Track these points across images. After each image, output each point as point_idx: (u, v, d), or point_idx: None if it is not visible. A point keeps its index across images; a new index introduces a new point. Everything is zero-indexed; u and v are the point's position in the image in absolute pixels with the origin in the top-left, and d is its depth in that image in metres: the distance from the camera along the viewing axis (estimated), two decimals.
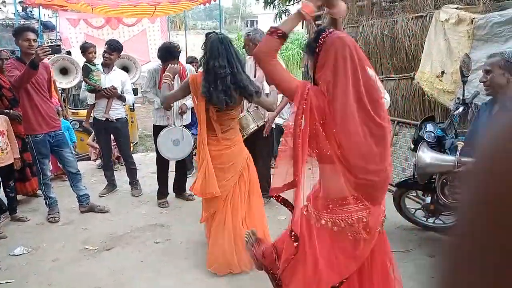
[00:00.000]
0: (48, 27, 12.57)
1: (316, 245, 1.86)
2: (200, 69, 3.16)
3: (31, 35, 3.66)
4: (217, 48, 2.89)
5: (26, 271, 3.15)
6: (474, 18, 3.63)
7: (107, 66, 4.44)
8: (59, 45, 3.87)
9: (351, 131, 1.74)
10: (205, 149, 2.96)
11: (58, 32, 12.05)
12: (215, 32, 3.14)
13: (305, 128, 1.77)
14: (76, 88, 7.19)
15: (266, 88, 3.98)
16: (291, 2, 9.76)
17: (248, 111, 3.90)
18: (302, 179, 1.88)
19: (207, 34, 3.13)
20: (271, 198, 4.31)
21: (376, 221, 1.89)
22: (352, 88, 1.73)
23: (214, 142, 3.00)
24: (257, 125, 3.92)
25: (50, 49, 3.52)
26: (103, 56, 4.40)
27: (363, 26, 5.05)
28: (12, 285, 2.98)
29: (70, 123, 5.85)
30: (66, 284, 2.96)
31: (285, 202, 2.08)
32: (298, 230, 1.90)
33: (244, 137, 3.71)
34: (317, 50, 1.79)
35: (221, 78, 2.83)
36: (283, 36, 1.81)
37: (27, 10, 12.89)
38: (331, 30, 1.83)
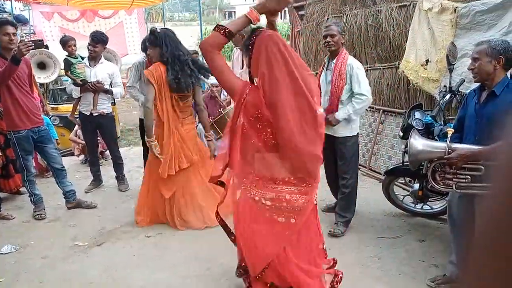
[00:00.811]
0: (20, 20, 12.19)
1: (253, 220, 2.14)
2: None
3: (11, 29, 3.53)
4: (174, 39, 3.38)
5: (16, 270, 3.08)
6: (457, 7, 3.70)
7: (94, 59, 4.34)
8: (42, 40, 3.75)
9: (289, 118, 1.93)
10: (171, 136, 3.45)
11: (31, 25, 11.72)
12: (155, 27, 3.55)
13: (242, 124, 2.03)
14: (54, 83, 7.02)
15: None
16: None
17: None
18: (235, 167, 2.14)
19: (152, 31, 3.48)
20: None
21: (308, 201, 2.11)
22: (287, 78, 1.92)
23: (176, 129, 3.48)
24: None
25: (33, 44, 3.42)
26: (88, 49, 4.29)
27: (347, 16, 5.08)
28: (3, 284, 2.91)
29: (50, 118, 5.71)
30: (58, 281, 2.91)
31: (222, 184, 2.33)
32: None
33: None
34: (250, 48, 2.00)
35: (187, 63, 3.32)
36: (230, 35, 1.98)
37: None
38: (263, 29, 2.06)
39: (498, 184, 0.28)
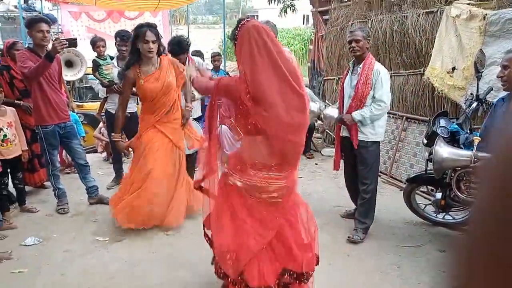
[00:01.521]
0: (49, 19, 12.52)
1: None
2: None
3: (45, 26, 3.64)
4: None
5: (38, 262, 3.15)
6: (486, 14, 3.64)
7: (123, 58, 4.41)
8: (76, 39, 3.84)
9: (273, 104, 1.97)
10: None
11: (59, 25, 12.00)
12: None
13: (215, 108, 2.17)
14: (79, 81, 7.17)
15: None
16: None
17: None
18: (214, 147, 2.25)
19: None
20: None
21: (287, 187, 2.14)
22: (269, 64, 1.98)
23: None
24: None
25: (67, 42, 3.51)
26: (119, 50, 4.34)
27: (372, 21, 5.05)
28: (25, 275, 2.98)
29: (76, 114, 5.83)
30: (79, 274, 2.97)
31: (206, 192, 2.38)
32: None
33: None
34: (236, 36, 2.08)
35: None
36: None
37: (29, 2, 12.80)
38: (249, 19, 2.12)
39: (484, 194, 0.29)
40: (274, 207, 2.15)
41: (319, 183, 4.86)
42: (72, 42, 3.70)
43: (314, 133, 6.54)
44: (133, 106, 4.52)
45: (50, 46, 3.65)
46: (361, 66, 3.27)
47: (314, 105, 3.50)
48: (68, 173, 5.09)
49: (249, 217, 2.14)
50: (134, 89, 4.31)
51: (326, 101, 5.94)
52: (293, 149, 2.10)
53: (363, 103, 3.25)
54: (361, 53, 3.27)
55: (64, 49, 3.55)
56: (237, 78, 2.09)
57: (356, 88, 3.26)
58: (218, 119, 2.25)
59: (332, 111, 3.51)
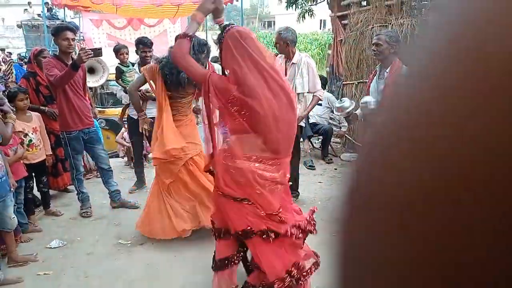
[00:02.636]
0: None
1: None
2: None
3: (70, 34, 3.75)
4: None
5: (63, 264, 3.21)
6: None
7: (145, 64, 4.47)
8: (100, 49, 3.93)
9: (263, 103, 2.11)
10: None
11: (81, 32, 12.29)
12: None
13: (214, 108, 2.30)
14: (101, 87, 7.31)
15: (298, 88, 3.98)
16: (315, 2, 9.73)
17: None
18: (216, 144, 2.39)
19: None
20: (298, 197, 4.33)
21: (278, 178, 2.28)
22: (256, 66, 2.13)
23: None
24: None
25: (92, 52, 3.61)
26: (143, 55, 4.39)
27: (392, 25, 5.02)
28: (50, 277, 3.04)
29: (97, 120, 5.95)
30: (103, 277, 3.02)
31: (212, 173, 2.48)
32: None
33: None
34: (221, 41, 2.22)
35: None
36: (192, 38, 2.31)
37: (52, 11, 13.13)
38: (234, 25, 2.27)
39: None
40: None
41: (339, 188, 4.82)
42: (97, 52, 3.79)
43: (333, 138, 6.52)
44: (155, 112, 4.57)
45: (75, 53, 3.75)
46: (388, 70, 3.25)
47: (348, 101, 3.47)
48: (89, 178, 5.17)
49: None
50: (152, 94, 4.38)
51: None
52: (286, 143, 2.27)
53: None
54: (382, 58, 3.27)
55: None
56: (225, 78, 2.23)
57: (383, 94, 3.24)
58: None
59: (369, 98, 3.42)
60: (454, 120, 0.18)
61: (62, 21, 11.59)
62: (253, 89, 2.12)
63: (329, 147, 6.18)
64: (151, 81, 3.50)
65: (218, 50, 2.29)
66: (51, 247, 3.46)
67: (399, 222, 0.20)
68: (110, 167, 4.19)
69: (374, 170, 0.22)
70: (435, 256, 0.18)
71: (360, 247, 0.23)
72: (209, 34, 15.10)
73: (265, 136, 2.19)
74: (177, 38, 2.32)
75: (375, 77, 3.42)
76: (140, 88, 4.34)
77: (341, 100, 3.55)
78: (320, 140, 6.20)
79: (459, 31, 0.19)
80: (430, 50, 0.21)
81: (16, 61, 10.77)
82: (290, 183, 4.22)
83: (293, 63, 4.00)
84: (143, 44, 4.34)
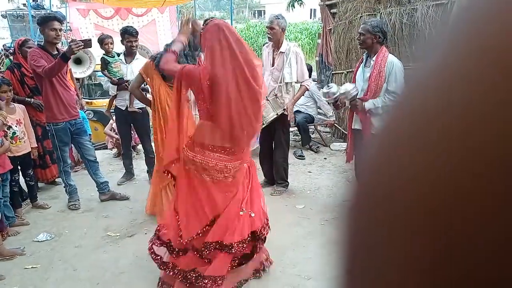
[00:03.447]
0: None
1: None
2: None
3: (57, 25, 3.68)
4: None
5: (50, 257, 3.19)
6: None
7: (130, 55, 4.42)
8: (90, 40, 3.88)
9: (227, 95, 2.28)
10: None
11: (68, 22, 12.08)
12: None
13: (184, 98, 2.46)
14: (88, 78, 7.21)
15: (287, 77, 3.96)
16: None
17: (267, 99, 3.88)
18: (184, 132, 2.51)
19: None
20: (287, 187, 4.34)
21: (236, 168, 2.47)
22: (229, 60, 2.27)
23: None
24: (277, 114, 3.92)
25: (82, 43, 3.56)
26: (129, 45, 4.32)
27: (381, 14, 5.00)
28: (38, 270, 3.02)
29: (85, 112, 5.87)
30: (91, 269, 3.00)
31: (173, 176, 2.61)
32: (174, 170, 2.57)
33: (264, 125, 3.75)
34: (202, 33, 2.38)
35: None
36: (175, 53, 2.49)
37: (38, 0, 12.87)
38: (213, 18, 2.45)
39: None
40: (224, 184, 2.47)
41: (328, 178, 4.85)
42: (87, 43, 3.74)
43: (322, 128, 6.52)
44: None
45: (61, 44, 3.69)
46: (374, 59, 3.26)
47: (335, 87, 3.46)
48: (76, 170, 5.12)
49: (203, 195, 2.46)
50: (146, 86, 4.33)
51: None
52: (242, 136, 2.42)
53: (376, 96, 3.25)
54: (365, 47, 3.31)
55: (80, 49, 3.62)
56: (201, 68, 2.38)
57: (369, 81, 3.26)
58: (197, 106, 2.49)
59: (350, 86, 3.41)
60: (475, 116, 0.17)
61: (48, 10, 11.40)
62: (221, 82, 2.27)
63: (320, 136, 6.19)
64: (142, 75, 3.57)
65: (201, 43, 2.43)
66: (38, 241, 3.43)
67: (409, 221, 0.19)
68: (96, 159, 4.15)
69: (385, 166, 0.22)
70: (448, 256, 0.18)
71: (367, 243, 0.23)
72: None
73: (225, 128, 2.35)
74: (166, 51, 2.55)
75: (361, 65, 3.42)
76: (128, 79, 4.30)
77: (328, 86, 3.54)
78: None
79: (482, 25, 0.18)
80: (451, 44, 0.20)
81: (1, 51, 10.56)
82: (285, 182, 4.27)
83: (281, 52, 3.98)
84: (129, 34, 4.27)
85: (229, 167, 2.44)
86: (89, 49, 6.29)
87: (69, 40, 3.71)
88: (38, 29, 3.85)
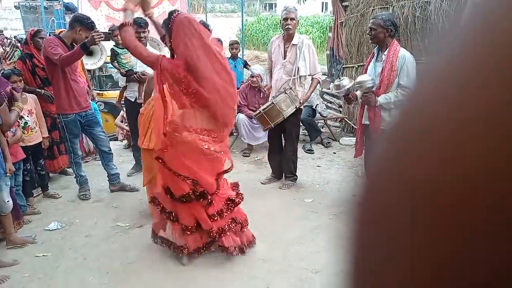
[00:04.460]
0: (70, 9, 12.62)
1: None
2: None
3: (89, 33, 3.75)
4: None
5: (61, 246, 3.23)
6: None
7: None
8: (110, 33, 3.93)
9: (209, 79, 2.48)
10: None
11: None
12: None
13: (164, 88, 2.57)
14: (99, 70, 7.25)
15: (302, 70, 3.95)
16: None
17: (285, 93, 3.87)
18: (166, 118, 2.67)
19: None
20: (296, 181, 4.33)
21: (218, 149, 2.71)
22: (202, 48, 2.45)
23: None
24: (296, 107, 3.92)
25: (103, 35, 3.61)
26: (138, 37, 4.32)
27: (393, 7, 4.95)
28: (49, 259, 3.06)
29: (96, 103, 5.91)
30: (101, 259, 3.04)
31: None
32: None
33: (284, 118, 3.77)
34: (169, 26, 2.48)
35: None
36: (131, 24, 2.60)
37: None
38: (180, 12, 2.61)
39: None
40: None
41: (338, 172, 4.84)
42: (107, 36, 3.82)
43: (332, 122, 6.49)
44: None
45: None
46: (385, 53, 3.22)
47: (347, 80, 3.44)
48: (87, 161, 5.17)
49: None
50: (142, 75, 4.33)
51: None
52: (230, 113, 2.70)
53: (388, 91, 3.22)
54: (377, 41, 3.27)
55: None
56: (174, 61, 2.51)
57: (381, 76, 3.22)
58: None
59: (367, 77, 3.37)
60: (490, 112, 0.17)
61: (60, 2, 11.46)
62: (201, 69, 2.45)
63: (329, 130, 6.16)
64: None
65: (167, 35, 2.54)
66: (49, 229, 3.48)
67: (419, 216, 0.19)
68: (111, 150, 4.19)
69: (396, 163, 0.21)
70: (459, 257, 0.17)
71: (374, 238, 0.23)
72: (209, 16, 14.97)
73: (214, 112, 2.58)
74: (122, 25, 2.59)
75: (372, 59, 3.39)
76: (137, 71, 4.31)
77: (339, 78, 3.52)
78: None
79: (494, 22, 0.18)
80: (464, 39, 0.20)
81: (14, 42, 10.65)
82: (293, 176, 4.27)
83: (293, 44, 3.96)
84: (137, 25, 4.26)
85: (213, 148, 2.67)
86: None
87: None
88: (70, 16, 3.93)
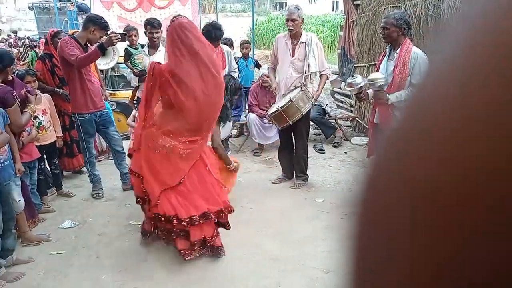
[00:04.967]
0: (82, 9, 12.78)
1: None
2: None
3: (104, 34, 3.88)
4: None
5: (75, 244, 3.28)
6: None
7: (154, 47, 4.46)
8: (126, 34, 4.00)
9: (190, 86, 2.56)
10: None
11: None
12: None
13: (154, 89, 2.69)
14: (111, 70, 7.31)
15: (312, 67, 3.95)
16: None
17: (301, 90, 3.87)
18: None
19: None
20: (307, 180, 4.33)
21: (197, 151, 2.81)
22: (190, 55, 2.54)
23: None
24: (312, 104, 3.94)
25: (120, 36, 3.68)
26: (151, 37, 4.37)
27: (406, 5, 4.90)
28: (63, 256, 3.11)
29: (109, 103, 5.96)
30: (114, 257, 3.07)
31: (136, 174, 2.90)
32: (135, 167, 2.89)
33: (302, 115, 3.78)
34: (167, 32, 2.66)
35: None
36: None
37: None
38: (179, 16, 2.74)
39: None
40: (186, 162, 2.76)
41: (349, 172, 4.82)
42: (124, 37, 3.89)
43: (343, 122, 6.46)
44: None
45: None
46: (397, 51, 3.21)
47: (360, 77, 3.42)
48: (100, 160, 5.22)
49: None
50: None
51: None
52: (207, 124, 2.76)
53: (400, 89, 3.20)
54: (390, 40, 3.26)
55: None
56: (164, 65, 2.67)
57: (393, 74, 3.21)
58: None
59: (379, 74, 3.36)
60: (491, 112, 0.17)
61: (72, 3, 11.59)
62: (183, 76, 2.55)
63: (340, 130, 6.13)
64: None
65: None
66: (63, 228, 3.53)
67: (418, 219, 0.19)
68: (124, 149, 4.22)
69: (396, 163, 0.21)
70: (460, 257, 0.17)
71: (375, 238, 0.23)
72: (219, 16, 15.00)
73: (187, 119, 2.65)
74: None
75: (384, 58, 3.37)
76: (140, 67, 4.36)
77: (353, 76, 3.51)
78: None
79: (495, 21, 0.18)
80: (465, 38, 0.20)
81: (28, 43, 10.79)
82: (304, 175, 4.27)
83: (302, 42, 3.96)
84: (151, 25, 4.31)
85: (190, 147, 2.75)
86: None
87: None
88: (84, 17, 4.00)
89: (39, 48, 8.85)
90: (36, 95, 3.80)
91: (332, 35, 18.56)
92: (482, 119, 0.17)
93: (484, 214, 0.16)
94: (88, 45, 3.86)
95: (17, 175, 3.05)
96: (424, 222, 0.18)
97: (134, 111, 5.58)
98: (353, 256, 0.25)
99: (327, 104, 5.91)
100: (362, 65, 6.05)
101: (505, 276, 0.16)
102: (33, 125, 3.60)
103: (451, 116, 0.18)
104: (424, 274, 0.18)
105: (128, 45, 4.42)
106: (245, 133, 5.77)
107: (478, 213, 0.17)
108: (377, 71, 3.44)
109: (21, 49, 10.34)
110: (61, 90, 4.28)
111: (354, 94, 3.60)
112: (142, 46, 4.53)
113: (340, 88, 7.07)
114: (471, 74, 0.18)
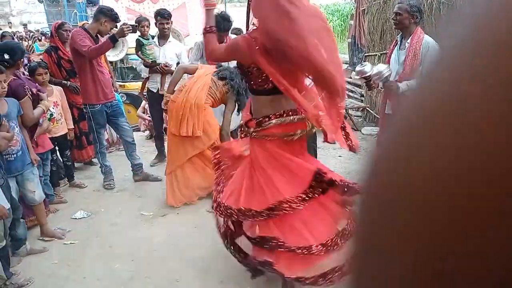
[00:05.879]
0: (91, 1, 12.81)
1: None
2: None
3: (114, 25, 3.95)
4: None
5: (87, 234, 3.32)
6: None
7: (164, 37, 4.46)
8: (136, 26, 4.06)
9: (313, 49, 1.93)
10: None
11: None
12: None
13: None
14: (121, 62, 7.33)
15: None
16: None
17: None
18: None
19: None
20: None
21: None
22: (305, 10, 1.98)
23: None
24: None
25: (131, 27, 3.71)
26: (161, 28, 4.37)
27: None
28: (76, 246, 3.15)
29: (119, 94, 5.99)
30: (126, 247, 3.10)
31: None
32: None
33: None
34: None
35: None
36: (214, 29, 2.32)
37: None
38: None
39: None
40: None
41: (359, 162, 4.78)
42: (134, 29, 3.92)
43: (354, 111, 6.42)
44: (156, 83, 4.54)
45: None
46: (409, 40, 3.16)
47: (369, 66, 3.34)
48: (111, 151, 5.26)
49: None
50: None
51: None
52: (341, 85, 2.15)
53: (411, 78, 3.16)
54: (401, 27, 3.20)
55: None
56: (243, 38, 2.18)
57: (404, 64, 3.16)
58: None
59: (383, 66, 3.31)
60: (502, 109, 0.16)
61: None
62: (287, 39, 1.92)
63: (351, 120, 6.09)
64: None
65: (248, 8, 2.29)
66: (76, 218, 3.58)
67: (418, 219, 0.18)
68: (134, 140, 4.25)
69: (401, 160, 0.21)
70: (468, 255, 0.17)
71: (378, 238, 0.22)
72: (228, 6, 14.92)
73: (322, 82, 2.11)
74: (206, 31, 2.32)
75: (396, 47, 3.32)
76: (159, 62, 4.35)
77: (362, 64, 3.45)
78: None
79: (496, 21, 0.18)
80: (466, 39, 0.19)
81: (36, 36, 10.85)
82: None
83: None
84: (161, 16, 4.31)
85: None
86: None
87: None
88: (93, 16, 4.02)
89: (40, 41, 8.93)
90: (48, 86, 3.84)
91: (342, 24, 18.35)
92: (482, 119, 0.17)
93: (484, 214, 0.16)
94: (99, 36, 3.87)
95: (34, 164, 3.08)
96: (424, 222, 0.18)
97: (143, 102, 5.61)
98: (354, 253, 0.24)
99: None
100: (373, 54, 5.99)
101: (505, 276, 0.16)
102: (45, 117, 3.63)
103: (450, 117, 0.18)
104: (425, 273, 0.18)
105: (139, 36, 4.42)
106: None
107: (478, 213, 0.16)
108: (388, 61, 3.39)
109: (30, 42, 10.41)
110: (69, 82, 4.30)
111: (364, 82, 3.55)
112: (152, 37, 4.52)
113: (350, 78, 7.01)
114: (472, 74, 0.18)
